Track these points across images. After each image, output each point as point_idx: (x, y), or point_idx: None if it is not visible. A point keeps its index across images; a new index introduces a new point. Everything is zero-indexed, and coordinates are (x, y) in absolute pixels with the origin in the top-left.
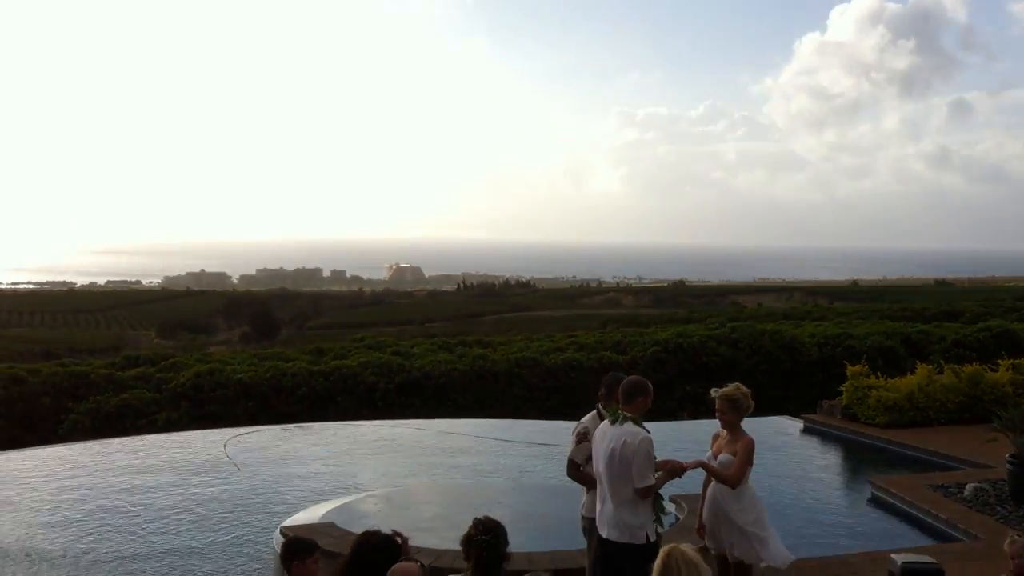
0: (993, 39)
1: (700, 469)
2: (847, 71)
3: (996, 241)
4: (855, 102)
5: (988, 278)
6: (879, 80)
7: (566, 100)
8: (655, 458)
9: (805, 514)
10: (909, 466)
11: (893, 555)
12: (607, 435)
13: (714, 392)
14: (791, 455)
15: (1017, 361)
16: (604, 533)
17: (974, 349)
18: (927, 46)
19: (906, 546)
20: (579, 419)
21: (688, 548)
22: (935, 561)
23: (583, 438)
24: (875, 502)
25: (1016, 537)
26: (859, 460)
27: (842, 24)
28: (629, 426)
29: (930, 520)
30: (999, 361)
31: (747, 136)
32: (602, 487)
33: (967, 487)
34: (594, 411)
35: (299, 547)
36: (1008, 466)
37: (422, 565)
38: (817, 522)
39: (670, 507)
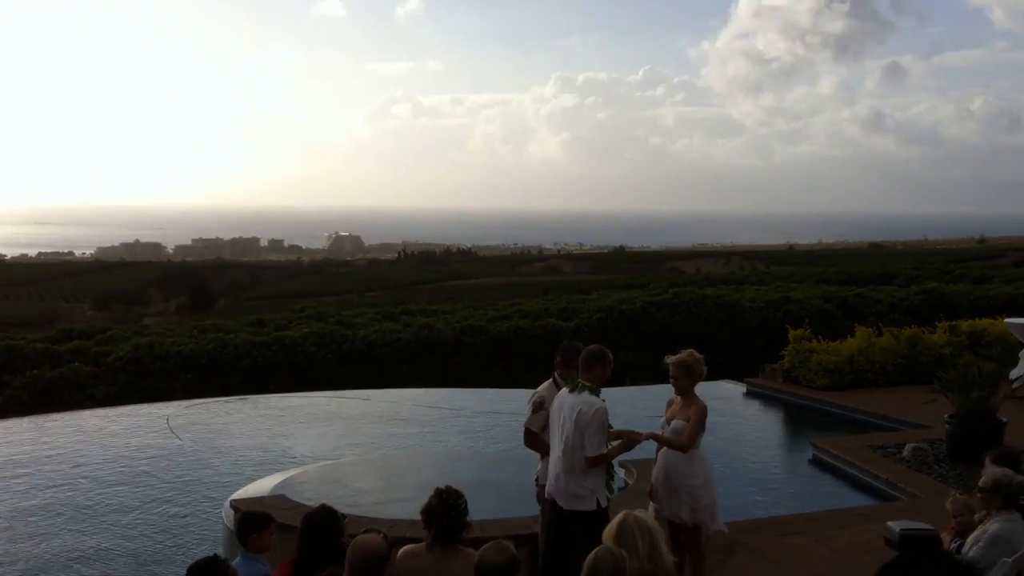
0: (924, 2)
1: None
2: (783, 35)
3: (929, 204)
4: (791, 66)
5: (921, 241)
6: (814, 44)
7: (504, 64)
8: (611, 428)
9: (748, 476)
10: (849, 428)
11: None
12: (564, 403)
13: (668, 359)
14: (733, 418)
15: (953, 323)
16: (555, 499)
17: (910, 312)
18: (861, 9)
19: (848, 506)
20: (527, 387)
21: (642, 513)
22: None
23: (539, 407)
24: (816, 463)
25: (958, 496)
26: (801, 422)
27: None
28: (586, 395)
29: (870, 480)
30: (936, 323)
31: (686, 101)
32: (555, 455)
33: (906, 447)
34: (550, 380)
35: (255, 520)
36: (946, 426)
37: (385, 536)
38: (759, 484)
39: (620, 473)
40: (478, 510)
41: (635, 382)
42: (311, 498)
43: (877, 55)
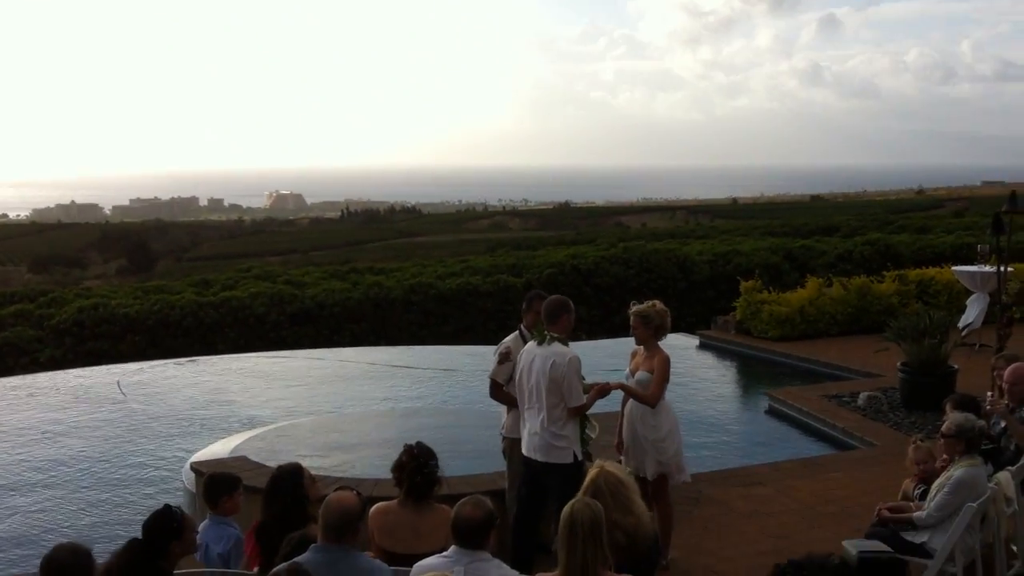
0: None
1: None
2: None
3: (867, 156)
4: (728, 19)
5: (861, 193)
6: None
7: (443, 19)
8: (583, 379)
9: (706, 428)
10: (802, 378)
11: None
12: (534, 355)
13: (631, 309)
14: (688, 371)
15: (901, 272)
16: (529, 454)
17: (857, 263)
18: None
19: (804, 455)
20: (481, 343)
21: (615, 468)
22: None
23: (505, 358)
24: (772, 413)
25: (920, 443)
26: (754, 373)
27: None
28: (556, 346)
29: (827, 429)
30: (884, 273)
31: (626, 55)
32: (526, 408)
33: (860, 396)
34: (516, 332)
35: (224, 481)
36: (899, 374)
37: (359, 493)
38: (718, 435)
39: (595, 427)
40: (442, 467)
41: (590, 336)
42: (272, 459)
43: (813, 6)
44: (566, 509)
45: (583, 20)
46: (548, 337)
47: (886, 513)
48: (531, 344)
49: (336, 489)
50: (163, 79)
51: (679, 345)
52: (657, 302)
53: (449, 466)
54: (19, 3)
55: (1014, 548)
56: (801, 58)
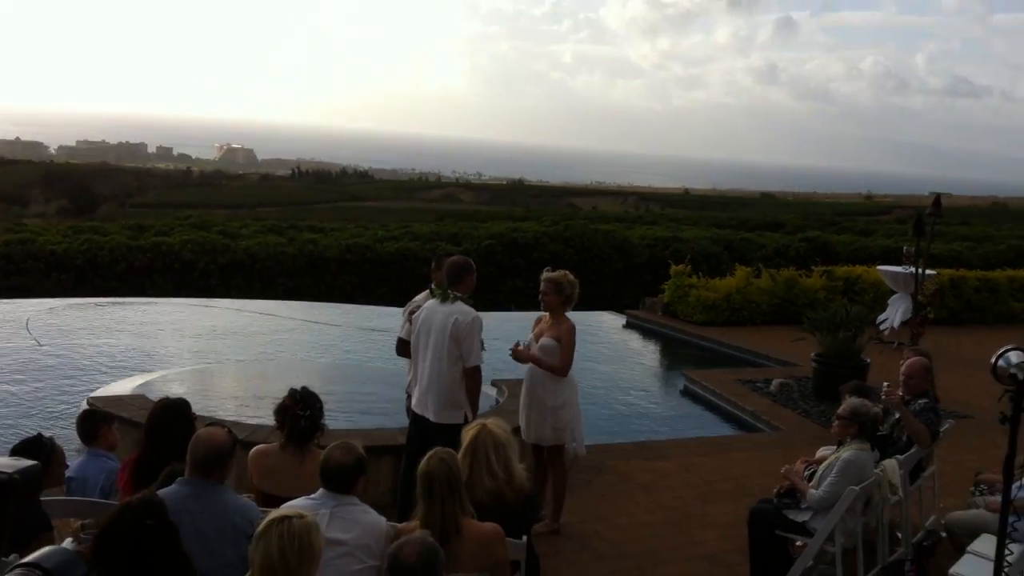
0: None
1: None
2: None
3: (818, 158)
4: (687, 12)
5: (810, 193)
6: None
7: None
8: (482, 343)
9: (620, 402)
10: (722, 362)
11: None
12: (436, 312)
13: (544, 274)
14: (611, 347)
15: (829, 268)
16: (421, 411)
17: (793, 259)
18: None
19: (712, 435)
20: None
21: (496, 426)
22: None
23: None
24: (687, 394)
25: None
26: (676, 355)
27: None
28: (460, 305)
29: (736, 411)
30: (813, 268)
31: (589, 39)
32: (422, 366)
33: (773, 382)
34: (427, 291)
35: (99, 415)
36: (813, 364)
37: (229, 430)
38: (632, 410)
39: (492, 392)
40: (348, 422)
41: (520, 308)
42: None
43: (771, 8)
44: (422, 465)
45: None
46: (452, 296)
47: (789, 473)
48: (432, 302)
49: (207, 424)
50: (121, 16)
51: (605, 323)
52: (568, 272)
53: (355, 422)
54: None
55: (899, 535)
56: (758, 57)
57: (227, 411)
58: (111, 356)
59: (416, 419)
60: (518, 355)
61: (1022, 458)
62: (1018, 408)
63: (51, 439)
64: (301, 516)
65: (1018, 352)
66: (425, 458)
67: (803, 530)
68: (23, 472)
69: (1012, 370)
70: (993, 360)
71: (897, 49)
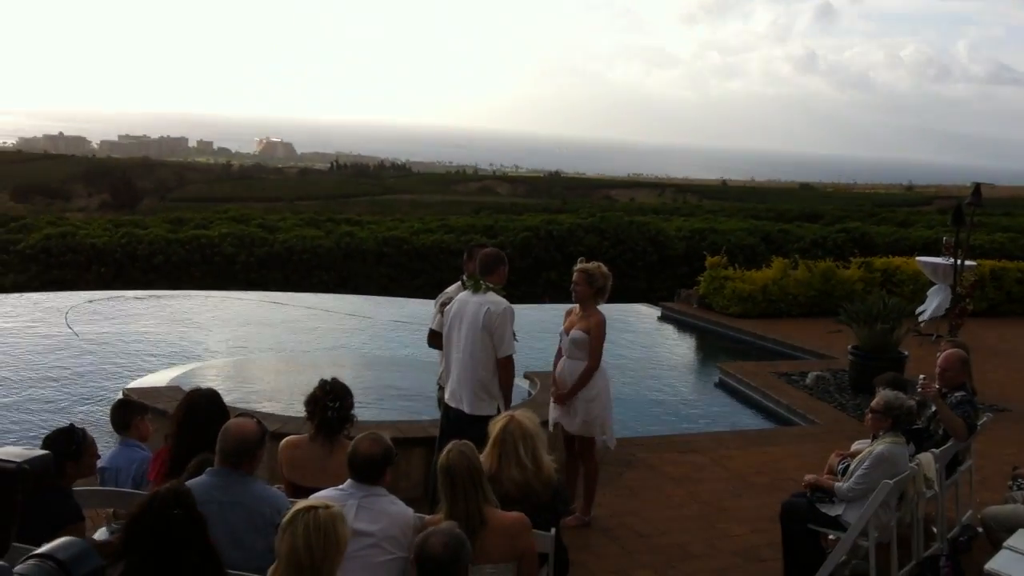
0: None
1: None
2: None
3: (859, 148)
4: (725, 1)
5: (851, 184)
6: None
7: None
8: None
9: (653, 394)
10: (758, 354)
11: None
12: (467, 304)
13: (577, 264)
14: (646, 339)
15: (867, 259)
16: (455, 403)
17: (831, 249)
18: None
19: (746, 427)
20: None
21: (525, 418)
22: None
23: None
24: (722, 386)
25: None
26: (710, 347)
27: None
28: (492, 295)
29: (771, 404)
30: (851, 259)
31: (627, 28)
32: (455, 357)
33: (809, 375)
34: (459, 282)
35: (132, 406)
36: (849, 356)
37: (259, 421)
38: (664, 402)
39: (524, 384)
40: (383, 413)
41: (554, 301)
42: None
43: None
44: (441, 460)
45: None
46: (484, 286)
47: (811, 478)
48: (465, 293)
49: (237, 415)
50: (162, 17)
51: (640, 315)
52: (602, 264)
53: (386, 411)
54: None
55: (934, 529)
56: (796, 44)
57: (258, 402)
58: (148, 348)
59: (448, 411)
60: (559, 399)
61: None
62: None
63: (83, 430)
64: (327, 507)
65: None
66: (444, 452)
67: (836, 524)
68: (32, 462)
69: None
70: None
71: (939, 36)
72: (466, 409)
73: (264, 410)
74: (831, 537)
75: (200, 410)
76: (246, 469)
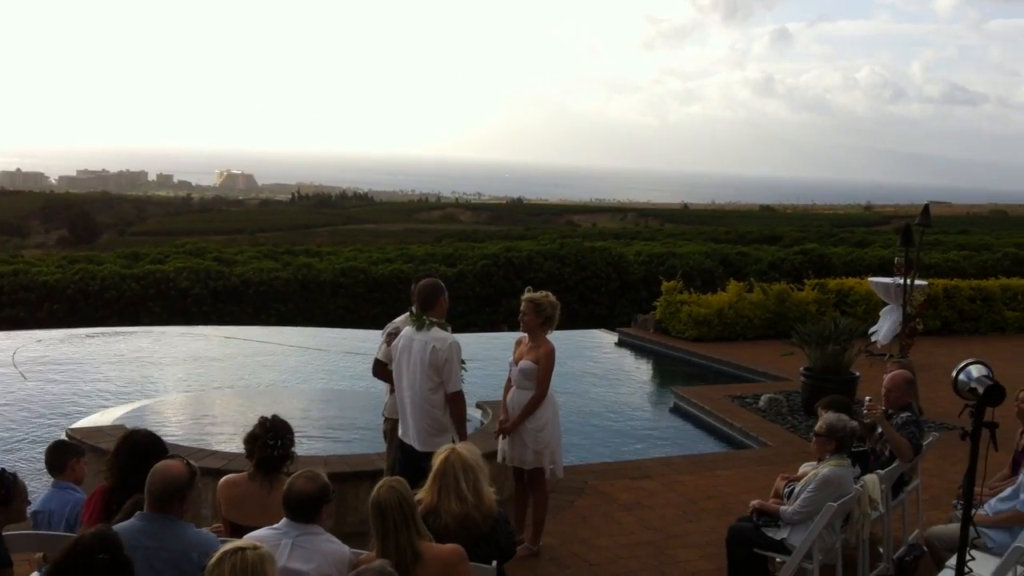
0: None
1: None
2: None
3: (818, 170)
4: (682, 27)
5: (810, 205)
6: (703, 5)
7: (414, 12)
8: (464, 363)
9: (608, 420)
10: (713, 378)
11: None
12: (412, 342)
13: (525, 294)
14: (602, 365)
15: (821, 280)
16: (408, 440)
17: (788, 272)
18: None
19: (700, 452)
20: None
21: (466, 450)
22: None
23: (393, 338)
24: (676, 411)
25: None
26: (666, 371)
27: None
28: (436, 331)
29: (725, 428)
30: (805, 281)
31: (587, 54)
32: (405, 395)
33: (762, 398)
34: (408, 313)
35: (68, 448)
36: (802, 378)
37: (188, 462)
38: (619, 428)
39: (477, 414)
40: (335, 447)
41: (512, 329)
42: (155, 430)
43: (765, 20)
44: (372, 496)
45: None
46: (427, 322)
47: (757, 502)
48: (409, 329)
49: (166, 457)
50: (121, 52)
51: (599, 340)
52: (550, 294)
53: (338, 444)
54: None
55: (880, 550)
56: (754, 69)
57: (206, 439)
58: (95, 387)
59: (403, 445)
60: (504, 429)
61: (1001, 472)
62: (979, 423)
63: (14, 475)
64: (255, 547)
65: (979, 366)
66: (376, 488)
67: (782, 548)
68: None
69: (972, 384)
70: (954, 374)
71: (893, 58)
72: (418, 447)
73: (211, 447)
74: (778, 560)
75: (137, 450)
76: (175, 512)
